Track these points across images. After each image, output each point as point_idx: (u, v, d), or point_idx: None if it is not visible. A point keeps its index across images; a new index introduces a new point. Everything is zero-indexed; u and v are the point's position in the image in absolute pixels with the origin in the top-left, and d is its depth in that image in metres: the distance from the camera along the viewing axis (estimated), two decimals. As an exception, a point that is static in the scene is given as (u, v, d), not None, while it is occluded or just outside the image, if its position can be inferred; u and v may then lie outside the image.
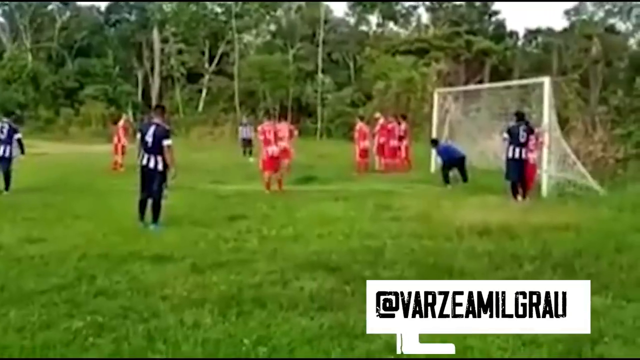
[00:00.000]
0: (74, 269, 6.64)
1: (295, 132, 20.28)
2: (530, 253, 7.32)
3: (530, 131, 12.54)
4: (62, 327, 4.88)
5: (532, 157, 12.84)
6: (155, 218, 9.33)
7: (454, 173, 15.21)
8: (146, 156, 9.34)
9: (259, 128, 13.99)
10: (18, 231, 8.87)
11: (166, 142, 9.24)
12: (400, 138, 19.56)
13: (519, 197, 12.45)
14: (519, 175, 12.52)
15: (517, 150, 12.45)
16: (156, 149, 9.25)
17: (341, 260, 7.02)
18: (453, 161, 15.20)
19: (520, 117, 12.73)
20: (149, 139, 9.26)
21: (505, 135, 12.68)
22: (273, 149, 13.50)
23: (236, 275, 6.39)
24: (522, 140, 12.42)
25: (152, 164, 9.27)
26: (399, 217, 10.23)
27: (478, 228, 8.72)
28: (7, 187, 13.34)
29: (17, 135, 13.78)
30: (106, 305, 5.37)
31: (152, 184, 9.30)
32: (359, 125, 19.50)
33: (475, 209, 10.81)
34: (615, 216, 10.25)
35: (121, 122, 20.31)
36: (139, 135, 9.69)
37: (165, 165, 9.32)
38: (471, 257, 7.19)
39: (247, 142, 25.90)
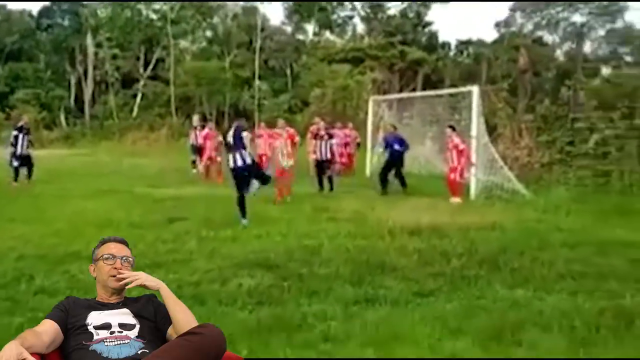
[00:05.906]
0: (12, 269, 6.60)
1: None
2: (458, 250, 7.60)
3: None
4: (2, 323, 4.89)
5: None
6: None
7: (391, 178, 14.67)
8: (231, 156, 9.85)
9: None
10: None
11: (244, 134, 9.92)
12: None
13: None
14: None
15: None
16: (239, 145, 9.79)
17: (279, 258, 7.15)
18: (394, 158, 14.61)
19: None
20: (230, 139, 9.91)
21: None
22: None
23: (174, 274, 6.43)
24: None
25: (240, 162, 9.76)
26: (336, 218, 10.44)
27: (409, 228, 9.03)
28: None
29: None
30: (47, 303, 5.33)
31: (249, 178, 9.88)
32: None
33: (407, 210, 11.16)
34: (539, 217, 10.72)
35: None
36: (222, 141, 10.31)
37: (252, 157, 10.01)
38: (402, 254, 7.45)
39: (196, 150, 19.17)
